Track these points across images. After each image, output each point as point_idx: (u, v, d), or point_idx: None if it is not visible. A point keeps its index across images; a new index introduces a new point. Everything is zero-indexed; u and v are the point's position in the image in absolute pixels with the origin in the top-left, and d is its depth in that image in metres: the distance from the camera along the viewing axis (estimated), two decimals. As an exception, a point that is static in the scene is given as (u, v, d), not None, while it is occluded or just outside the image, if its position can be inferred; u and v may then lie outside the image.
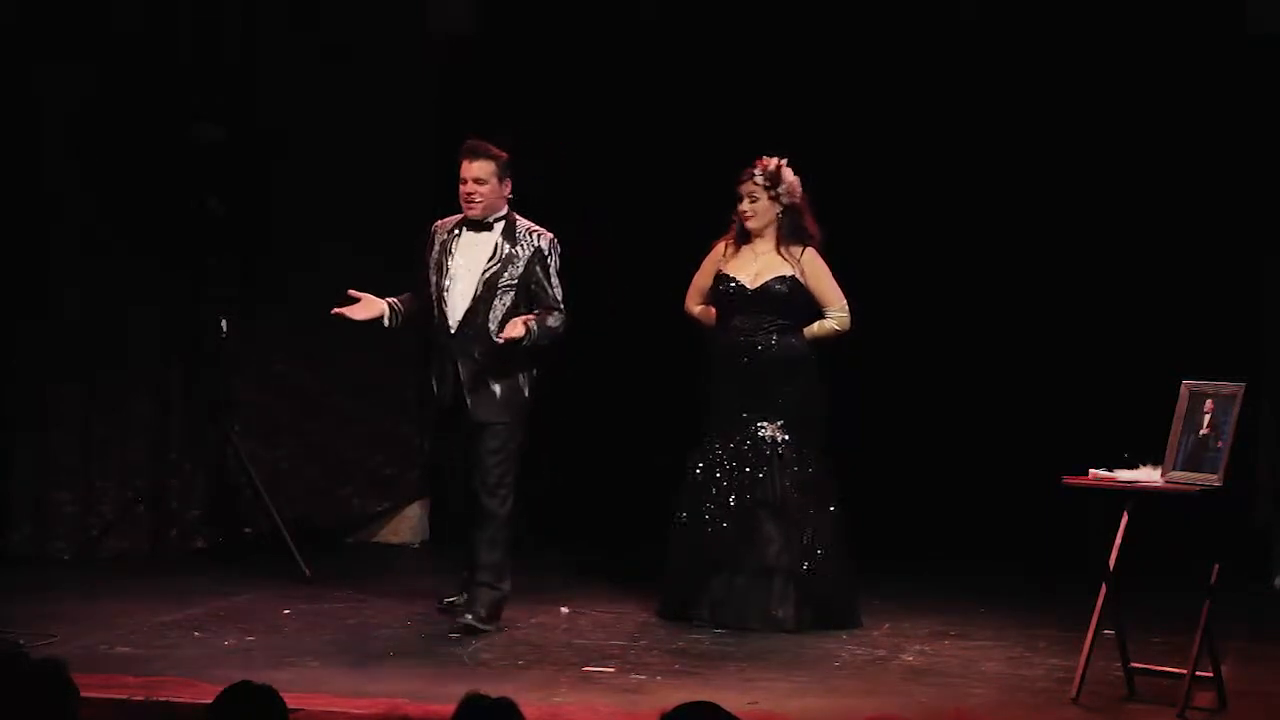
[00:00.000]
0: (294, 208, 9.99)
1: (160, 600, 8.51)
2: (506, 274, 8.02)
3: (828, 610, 8.31)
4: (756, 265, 8.40)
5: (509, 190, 8.07)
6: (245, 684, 4.52)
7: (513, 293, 8.01)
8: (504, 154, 8.06)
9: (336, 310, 8.16)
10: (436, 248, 8.14)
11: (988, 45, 9.85)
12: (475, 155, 8.04)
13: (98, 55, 9.57)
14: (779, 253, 8.38)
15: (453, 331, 8.04)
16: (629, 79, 10.17)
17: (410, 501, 10.53)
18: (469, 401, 8.01)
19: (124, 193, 9.60)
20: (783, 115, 9.71)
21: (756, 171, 8.36)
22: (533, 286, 8.03)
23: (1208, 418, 6.84)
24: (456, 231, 8.12)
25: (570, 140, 10.03)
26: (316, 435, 10.25)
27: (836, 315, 8.40)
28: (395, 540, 10.48)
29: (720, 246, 8.51)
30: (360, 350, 9.97)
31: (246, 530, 9.87)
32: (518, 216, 8.13)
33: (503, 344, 7.94)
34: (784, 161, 8.36)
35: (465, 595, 8.23)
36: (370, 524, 10.52)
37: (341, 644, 7.75)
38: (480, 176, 8.00)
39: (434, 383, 8.17)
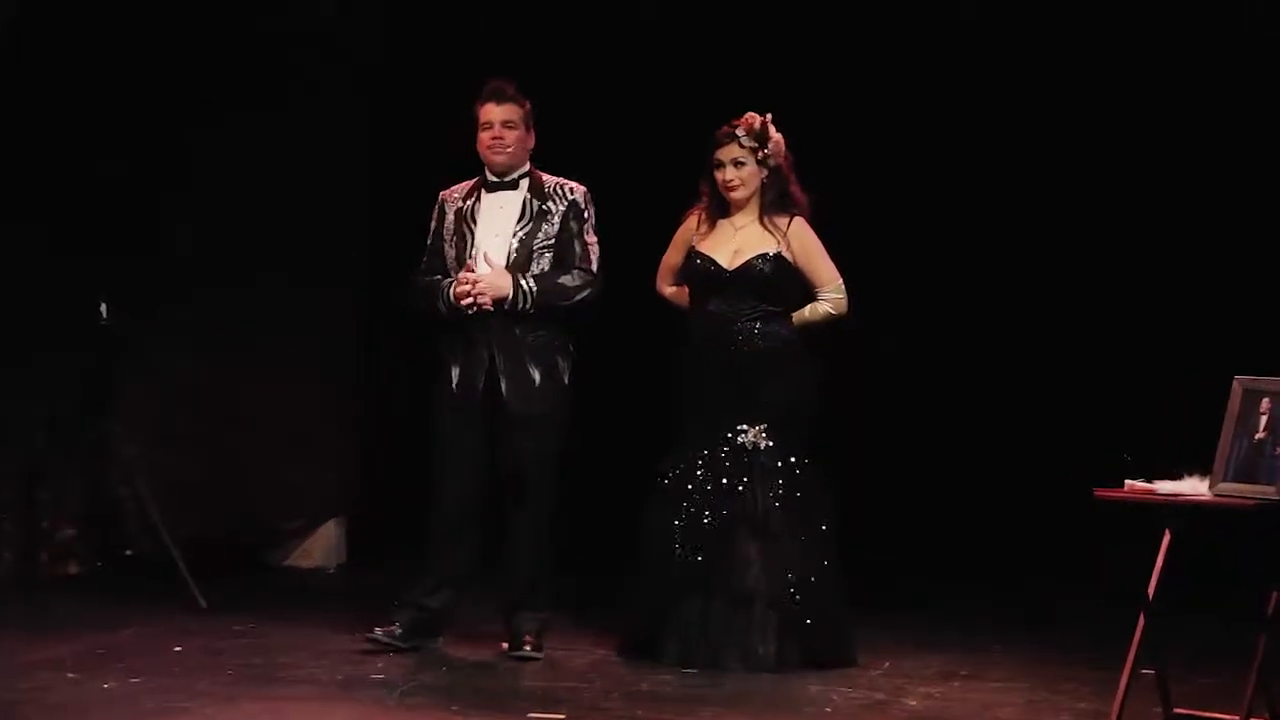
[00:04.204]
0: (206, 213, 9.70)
1: (27, 636, 8.05)
2: (541, 233, 7.78)
3: (817, 646, 7.79)
4: (735, 241, 7.91)
5: (533, 143, 7.87)
6: None
7: (550, 253, 7.77)
8: (528, 101, 7.86)
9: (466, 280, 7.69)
10: (450, 217, 7.89)
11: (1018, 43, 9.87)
12: (502, 98, 7.79)
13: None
14: (762, 225, 7.89)
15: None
16: (623, 69, 10.20)
17: (327, 518, 10.28)
18: (504, 390, 7.71)
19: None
20: (783, 112, 9.20)
21: (740, 132, 7.88)
22: (563, 246, 7.83)
23: (1264, 419, 6.33)
24: (474, 196, 7.87)
25: (555, 128, 9.69)
26: (219, 441, 9.80)
27: (830, 296, 7.91)
28: (307, 564, 10.26)
29: (692, 220, 8.03)
30: (273, 342, 9.76)
31: (129, 552, 9.46)
32: (542, 173, 7.92)
33: (521, 312, 7.63)
34: (769, 117, 7.86)
35: (399, 626, 7.83)
36: (280, 544, 10.27)
37: (243, 686, 7.25)
38: (510, 119, 7.76)
39: (458, 372, 7.76)
